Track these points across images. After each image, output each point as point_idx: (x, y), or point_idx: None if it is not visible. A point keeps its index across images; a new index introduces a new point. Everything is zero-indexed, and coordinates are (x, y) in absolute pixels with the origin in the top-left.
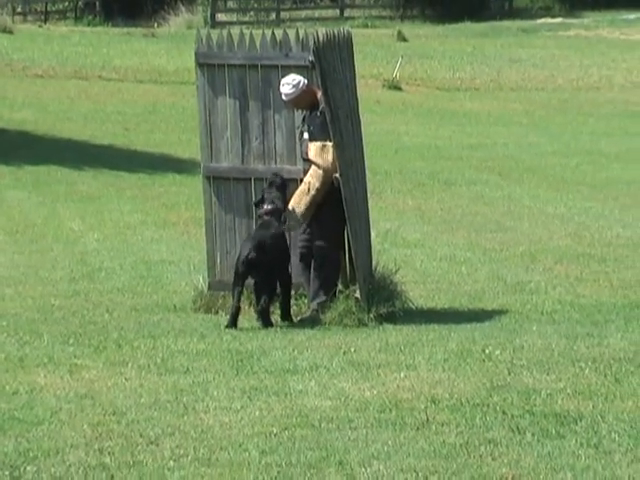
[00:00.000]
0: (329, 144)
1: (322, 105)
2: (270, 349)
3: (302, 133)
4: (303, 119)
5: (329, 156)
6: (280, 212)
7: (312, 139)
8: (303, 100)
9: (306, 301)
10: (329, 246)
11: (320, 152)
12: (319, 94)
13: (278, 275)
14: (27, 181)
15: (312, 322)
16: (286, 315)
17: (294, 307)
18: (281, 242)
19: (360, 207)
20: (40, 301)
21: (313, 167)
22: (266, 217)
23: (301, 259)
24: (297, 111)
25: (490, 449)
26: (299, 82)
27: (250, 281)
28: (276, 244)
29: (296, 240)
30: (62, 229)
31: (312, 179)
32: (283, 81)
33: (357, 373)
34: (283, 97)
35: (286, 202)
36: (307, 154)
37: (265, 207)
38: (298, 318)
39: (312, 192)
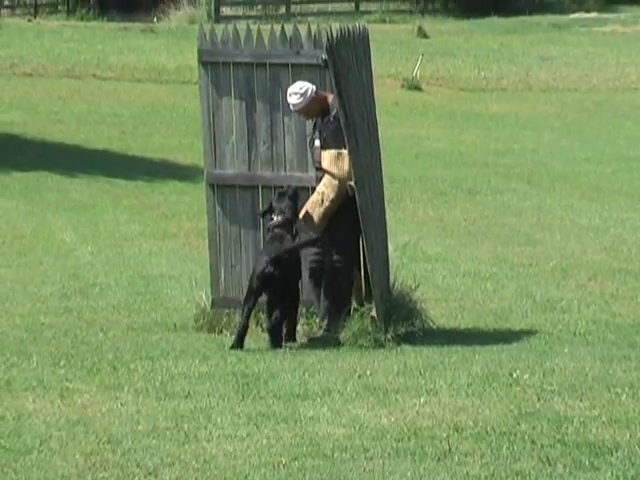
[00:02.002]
0: (345, 152)
1: (335, 110)
2: (279, 372)
3: (313, 140)
4: (314, 125)
5: (345, 165)
6: (291, 224)
7: (325, 147)
8: (312, 109)
9: (317, 320)
10: (342, 260)
11: (335, 160)
12: (330, 99)
13: (290, 291)
14: (15, 189)
15: (324, 343)
16: (291, 335)
17: (305, 326)
18: (295, 256)
19: (377, 218)
20: (29, 319)
21: (327, 176)
22: (277, 230)
23: (311, 275)
24: (307, 120)
25: None
26: (307, 90)
27: (262, 298)
28: (291, 258)
29: (306, 254)
30: (53, 241)
31: (326, 189)
32: (290, 90)
33: (373, 398)
34: (291, 107)
35: (297, 214)
36: (320, 163)
37: (275, 219)
38: (309, 338)
39: (326, 203)
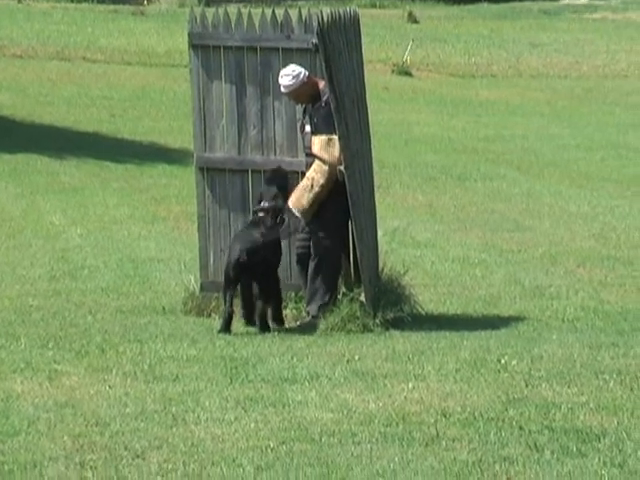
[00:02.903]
0: (335, 137)
1: (326, 95)
2: (267, 356)
3: (303, 126)
4: (304, 111)
5: (335, 150)
6: (278, 212)
7: (316, 132)
8: (303, 93)
9: (305, 305)
10: (329, 246)
11: (326, 146)
12: (321, 85)
13: (268, 277)
14: (4, 171)
15: (312, 327)
16: (278, 319)
17: (294, 311)
18: (273, 241)
19: (366, 203)
20: (17, 301)
21: (317, 162)
22: (260, 214)
23: (298, 260)
24: (297, 105)
25: (505, 467)
26: (299, 73)
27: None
28: (267, 244)
29: (294, 239)
30: (42, 223)
31: (316, 175)
32: (282, 72)
33: (361, 383)
34: (282, 89)
35: (286, 199)
36: (310, 148)
37: (262, 204)
38: (297, 322)
39: (316, 189)
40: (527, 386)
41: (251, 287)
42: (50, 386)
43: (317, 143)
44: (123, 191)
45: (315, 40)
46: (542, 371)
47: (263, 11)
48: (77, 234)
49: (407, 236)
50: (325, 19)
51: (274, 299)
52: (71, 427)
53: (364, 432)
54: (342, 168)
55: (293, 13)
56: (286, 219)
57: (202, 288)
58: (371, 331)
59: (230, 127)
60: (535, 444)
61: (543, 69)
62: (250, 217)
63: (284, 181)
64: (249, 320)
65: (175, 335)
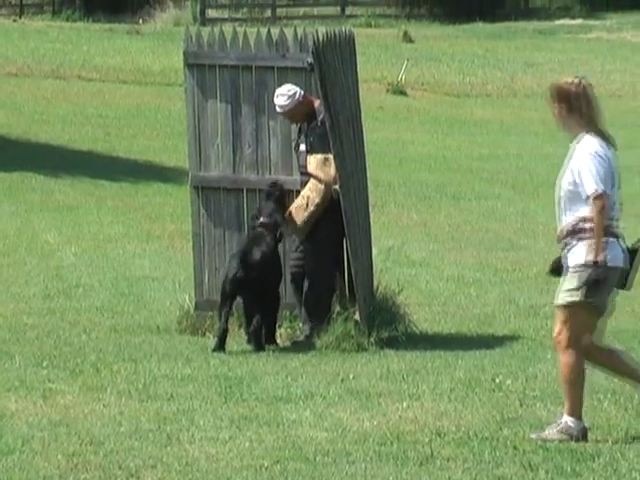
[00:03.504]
0: (331, 157)
1: (322, 115)
2: (261, 375)
3: (298, 145)
4: (299, 130)
5: (331, 170)
6: (276, 227)
7: (312, 151)
8: (299, 112)
9: (300, 324)
10: (323, 265)
11: (322, 165)
12: (317, 104)
13: (267, 294)
14: None
15: (306, 346)
16: (271, 339)
17: (289, 330)
18: (272, 258)
19: (361, 222)
20: (12, 319)
21: (312, 181)
22: (259, 229)
23: (292, 279)
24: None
25: None
26: (295, 93)
27: (240, 300)
28: (266, 260)
29: (288, 258)
30: (36, 241)
31: (312, 193)
32: (277, 92)
33: (356, 402)
34: (277, 109)
35: (283, 216)
36: (305, 167)
37: (261, 219)
38: (291, 341)
39: (311, 208)
40: (522, 405)
41: (252, 304)
42: (44, 405)
43: (313, 162)
44: (118, 209)
45: (310, 59)
46: (537, 390)
47: (258, 30)
48: (72, 252)
49: (402, 255)
50: (320, 38)
51: (269, 318)
52: (65, 446)
53: (358, 451)
54: (337, 187)
55: (288, 32)
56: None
57: (197, 307)
58: (366, 350)
59: (225, 146)
60: (529, 464)
61: (538, 89)
62: (245, 233)
63: (282, 196)
64: (250, 338)
65: (170, 354)
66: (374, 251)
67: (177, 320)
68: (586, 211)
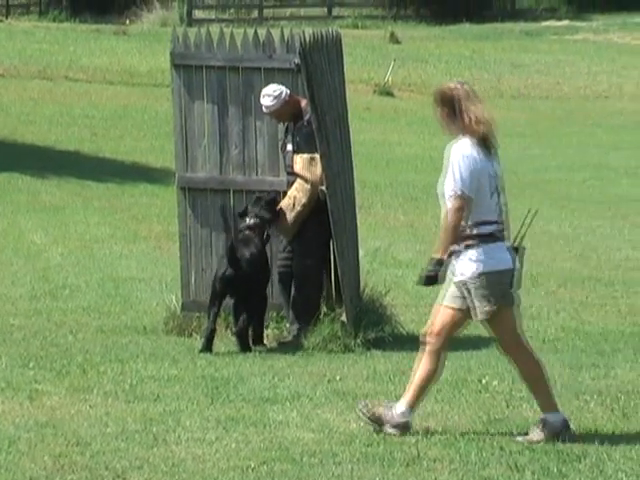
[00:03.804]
0: (317, 156)
1: (308, 114)
2: (248, 376)
3: (285, 145)
4: (286, 130)
5: (317, 169)
6: (263, 227)
7: (298, 151)
8: (285, 112)
9: (287, 324)
10: (311, 265)
11: (308, 165)
12: (303, 104)
13: (255, 294)
14: None
15: (293, 347)
16: (259, 339)
17: (275, 330)
18: (261, 259)
19: (347, 223)
20: None
21: (299, 181)
22: (247, 232)
23: (280, 279)
24: (279, 124)
25: None
26: (280, 93)
27: (229, 301)
28: (255, 260)
29: (275, 259)
30: (23, 242)
31: (298, 193)
32: (263, 92)
33: (342, 403)
34: (264, 109)
35: (272, 219)
36: (292, 167)
37: (247, 221)
38: (278, 342)
39: (298, 208)
40: (508, 406)
41: (241, 303)
42: (31, 406)
43: (299, 162)
44: (104, 210)
45: (297, 60)
46: (523, 392)
47: (245, 31)
48: (58, 253)
49: (388, 256)
50: (307, 39)
51: (257, 318)
52: (52, 447)
53: (345, 452)
54: (324, 188)
55: (275, 33)
56: (270, 238)
57: (183, 307)
58: (352, 351)
59: (212, 147)
60: (516, 464)
61: (524, 90)
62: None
63: (273, 200)
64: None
65: (156, 355)
66: (361, 252)
67: (164, 321)
68: (469, 216)
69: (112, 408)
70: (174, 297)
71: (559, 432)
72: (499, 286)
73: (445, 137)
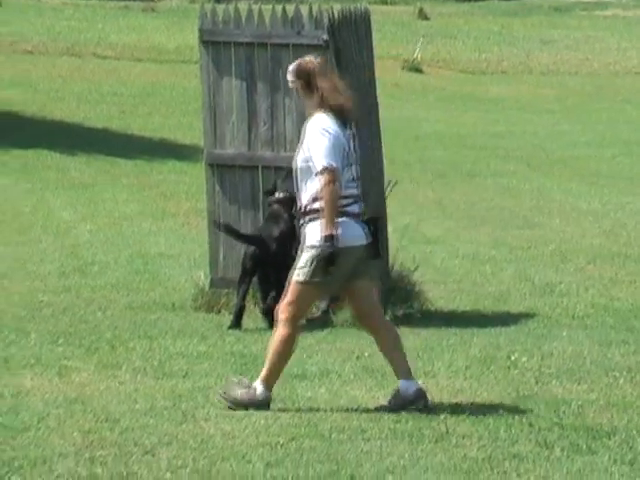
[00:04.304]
0: None
1: None
2: None
3: None
4: None
5: None
6: (292, 202)
7: None
8: None
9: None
10: None
11: None
12: None
13: (284, 271)
14: (14, 166)
15: (322, 323)
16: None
17: None
18: (290, 233)
19: (376, 199)
20: (27, 297)
21: None
22: (275, 206)
23: None
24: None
25: (515, 464)
26: None
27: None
28: (285, 237)
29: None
30: (52, 219)
31: None
32: (290, 68)
33: (371, 380)
34: (290, 84)
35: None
36: None
37: (276, 195)
38: (307, 319)
39: None
40: (537, 383)
41: (269, 280)
42: (60, 382)
43: None
44: (133, 187)
45: (326, 36)
46: (552, 368)
47: (274, 7)
48: (87, 230)
49: (417, 233)
50: (336, 15)
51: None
52: (81, 423)
53: (374, 429)
54: None
55: (304, 9)
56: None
57: (212, 284)
58: None
59: (240, 123)
60: (545, 441)
61: (553, 66)
62: (266, 210)
63: None
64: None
65: (185, 331)
66: (389, 229)
67: (192, 297)
68: (318, 190)
69: (141, 384)
70: (202, 274)
71: (254, 407)
72: (329, 261)
73: (474, 113)
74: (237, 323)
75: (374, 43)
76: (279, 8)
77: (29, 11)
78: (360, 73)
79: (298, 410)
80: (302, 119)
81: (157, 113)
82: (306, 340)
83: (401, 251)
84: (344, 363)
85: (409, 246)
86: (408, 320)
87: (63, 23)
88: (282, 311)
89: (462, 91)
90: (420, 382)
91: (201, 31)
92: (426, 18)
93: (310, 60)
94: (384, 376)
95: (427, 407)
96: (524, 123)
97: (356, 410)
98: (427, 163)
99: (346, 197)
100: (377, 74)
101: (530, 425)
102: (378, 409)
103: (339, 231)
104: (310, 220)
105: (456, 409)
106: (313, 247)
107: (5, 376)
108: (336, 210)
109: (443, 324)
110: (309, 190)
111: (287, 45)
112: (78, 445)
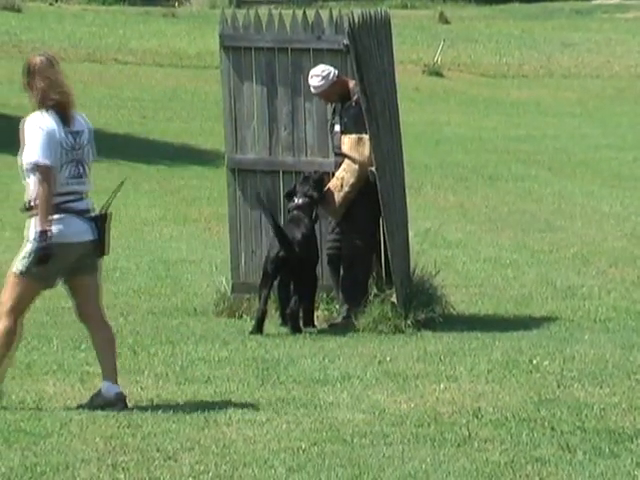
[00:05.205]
0: (365, 137)
1: (356, 95)
2: (298, 357)
3: (333, 126)
4: (334, 111)
5: (365, 150)
6: (312, 207)
7: (346, 131)
8: (333, 92)
9: (337, 306)
10: (360, 246)
11: (356, 145)
12: (351, 84)
13: (306, 275)
14: None
15: (344, 328)
16: (309, 321)
17: (325, 312)
18: (312, 239)
19: (397, 203)
20: (49, 303)
21: (347, 161)
22: (296, 212)
23: (330, 261)
24: (327, 105)
25: (538, 468)
26: (329, 73)
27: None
28: (307, 241)
29: (325, 240)
30: None
31: (346, 174)
32: (312, 72)
33: (393, 384)
34: (312, 90)
35: (320, 199)
36: (340, 148)
37: (296, 201)
38: (329, 323)
39: (346, 188)
40: (559, 387)
41: (288, 286)
42: (82, 388)
43: (347, 142)
44: (154, 193)
45: (346, 41)
46: (574, 372)
47: (294, 12)
48: None
49: (438, 237)
50: (356, 20)
51: (307, 300)
52: (103, 429)
53: (396, 433)
54: (373, 169)
55: (324, 14)
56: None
57: (233, 289)
58: (402, 332)
59: (261, 128)
60: (567, 445)
61: (575, 69)
62: (287, 216)
63: (320, 179)
64: (285, 320)
65: (206, 337)
66: (411, 233)
67: (214, 303)
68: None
69: (163, 390)
70: (224, 279)
71: (112, 403)
72: (44, 255)
73: (495, 117)
74: (259, 328)
75: (394, 47)
76: (299, 13)
77: (49, 18)
78: (380, 77)
79: (320, 415)
80: (323, 124)
81: (178, 118)
82: (328, 344)
83: (422, 255)
84: (366, 367)
85: (430, 250)
86: (430, 324)
87: (84, 29)
88: (3, 303)
89: (483, 95)
90: (121, 388)
91: (222, 36)
92: (447, 22)
93: (33, 57)
94: (406, 380)
95: (126, 409)
96: (545, 126)
97: (378, 414)
98: (448, 167)
99: (68, 193)
100: (398, 78)
101: (552, 429)
102: (79, 406)
103: (53, 227)
104: (31, 215)
105: (478, 413)
106: (31, 240)
107: (27, 382)
108: (48, 206)
109: (465, 328)
110: (29, 189)
111: (308, 50)
112: (100, 451)
